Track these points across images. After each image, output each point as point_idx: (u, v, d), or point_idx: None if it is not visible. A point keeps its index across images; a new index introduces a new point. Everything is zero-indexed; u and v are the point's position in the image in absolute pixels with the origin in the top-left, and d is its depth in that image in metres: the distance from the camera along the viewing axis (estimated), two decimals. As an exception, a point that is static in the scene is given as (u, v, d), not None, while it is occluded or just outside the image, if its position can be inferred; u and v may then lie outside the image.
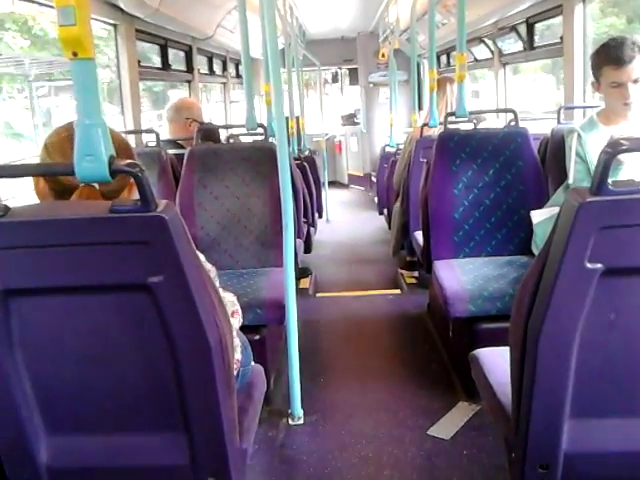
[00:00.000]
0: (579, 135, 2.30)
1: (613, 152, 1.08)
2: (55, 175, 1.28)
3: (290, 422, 2.34)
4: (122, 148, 1.19)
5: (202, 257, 1.38)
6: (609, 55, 2.18)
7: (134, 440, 1.29)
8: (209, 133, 3.60)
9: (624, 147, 1.09)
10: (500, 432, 1.49)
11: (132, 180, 1.30)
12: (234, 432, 1.32)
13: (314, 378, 2.68)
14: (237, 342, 1.59)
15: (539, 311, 1.21)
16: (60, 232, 1.10)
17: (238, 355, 1.58)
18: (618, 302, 1.20)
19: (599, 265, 1.13)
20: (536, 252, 2.57)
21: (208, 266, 1.42)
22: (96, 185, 1.23)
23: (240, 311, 1.66)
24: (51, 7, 2.80)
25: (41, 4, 2.87)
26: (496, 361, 1.63)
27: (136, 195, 1.09)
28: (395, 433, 2.25)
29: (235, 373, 1.53)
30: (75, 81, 1.10)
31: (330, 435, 2.27)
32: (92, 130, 1.10)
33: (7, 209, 1.09)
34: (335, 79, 10.25)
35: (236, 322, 1.63)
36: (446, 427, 2.27)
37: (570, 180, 2.32)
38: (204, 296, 1.17)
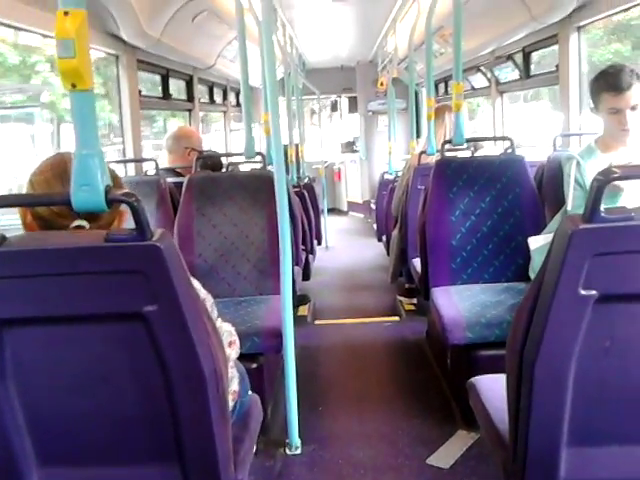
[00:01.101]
0: (578, 162, 2.32)
1: (605, 179, 1.09)
2: (51, 205, 1.29)
3: (287, 452, 2.31)
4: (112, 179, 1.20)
5: (197, 285, 1.39)
6: (608, 82, 2.20)
7: (127, 472, 1.27)
8: (212, 161, 3.63)
9: (616, 175, 1.10)
10: (498, 460, 1.48)
11: (122, 209, 1.32)
12: (229, 463, 1.30)
13: (312, 407, 2.65)
14: (234, 373, 1.58)
15: (534, 338, 1.21)
16: (55, 261, 1.10)
17: (235, 386, 1.57)
18: (613, 328, 1.19)
19: (593, 292, 1.14)
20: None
21: (203, 294, 1.43)
22: (86, 225, 1.25)
23: (238, 342, 1.65)
24: (51, 37, 2.85)
25: (44, 35, 2.92)
26: (494, 388, 1.62)
27: (125, 225, 1.10)
28: (394, 463, 2.23)
29: (232, 404, 1.52)
30: (73, 112, 1.11)
31: (328, 465, 2.24)
32: (89, 160, 1.11)
33: (3, 238, 1.10)
34: (334, 107, 10.33)
35: (233, 353, 1.61)
36: (445, 456, 2.24)
37: (569, 207, 2.33)
38: (199, 326, 1.17)
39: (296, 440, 2.33)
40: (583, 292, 1.13)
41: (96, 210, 1.13)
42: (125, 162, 3.72)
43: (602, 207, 1.10)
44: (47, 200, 1.27)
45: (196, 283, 1.40)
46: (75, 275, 1.11)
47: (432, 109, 3.79)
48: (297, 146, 6.11)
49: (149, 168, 3.60)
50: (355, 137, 9.85)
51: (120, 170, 3.70)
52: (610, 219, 1.10)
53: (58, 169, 1.28)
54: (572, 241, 1.10)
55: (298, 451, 2.32)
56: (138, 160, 3.76)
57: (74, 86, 1.10)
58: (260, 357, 2.36)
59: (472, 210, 2.80)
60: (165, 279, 1.09)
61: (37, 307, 1.13)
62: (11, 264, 1.11)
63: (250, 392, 1.75)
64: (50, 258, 1.10)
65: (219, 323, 1.52)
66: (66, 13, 1.08)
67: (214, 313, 1.53)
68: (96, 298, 1.13)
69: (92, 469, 1.27)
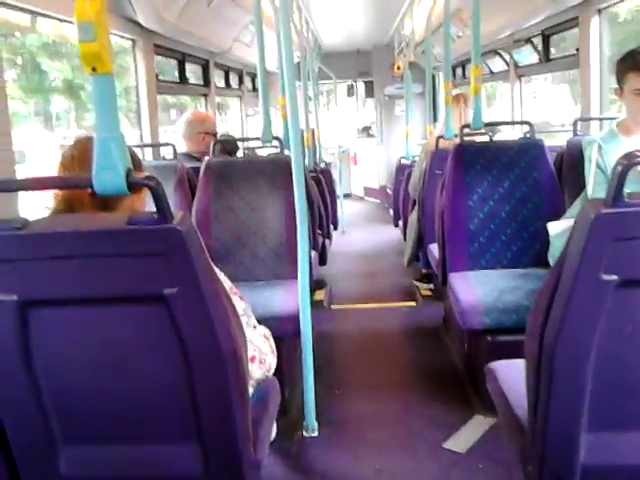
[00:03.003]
0: (600, 146, 2.28)
1: (628, 163, 1.08)
2: (74, 188, 1.30)
3: (305, 434, 2.34)
4: (134, 162, 1.22)
5: (228, 283, 1.41)
6: (635, 61, 2.15)
7: (149, 451, 1.30)
8: (229, 145, 3.62)
9: (639, 159, 1.09)
10: (516, 445, 1.48)
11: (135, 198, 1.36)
12: (248, 443, 1.32)
13: (329, 390, 2.67)
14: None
15: (555, 323, 1.21)
16: (77, 244, 1.12)
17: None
18: (635, 313, 1.19)
19: (614, 277, 1.13)
20: (552, 264, 2.54)
21: (237, 302, 1.43)
22: None
23: (269, 359, 1.59)
24: (71, 22, 2.86)
25: (61, 20, 2.92)
26: (512, 373, 1.62)
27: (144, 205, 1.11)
28: (410, 446, 2.24)
29: (252, 390, 1.53)
30: (94, 95, 1.12)
31: (345, 447, 2.26)
32: (110, 143, 1.11)
33: (26, 222, 1.11)
34: (351, 92, 10.28)
35: (257, 371, 1.54)
36: (462, 440, 2.25)
37: (589, 191, 2.30)
38: (219, 308, 1.18)
39: (313, 422, 2.35)
40: (604, 277, 1.13)
41: (117, 193, 1.14)
42: (142, 147, 3.73)
43: (625, 191, 1.09)
44: (69, 183, 1.28)
45: (228, 282, 1.41)
46: (97, 257, 1.12)
47: (450, 93, 3.76)
48: (313, 131, 6.09)
49: (167, 153, 3.61)
50: (371, 122, 9.80)
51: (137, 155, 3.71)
52: (633, 204, 1.09)
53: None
54: (594, 226, 1.09)
55: (315, 433, 2.34)
56: (155, 145, 3.77)
57: (94, 69, 1.11)
58: (278, 341, 2.37)
59: (490, 195, 2.78)
60: (186, 262, 1.10)
61: (60, 289, 1.15)
62: (34, 247, 1.12)
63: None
64: (72, 241, 1.12)
65: (249, 333, 1.47)
66: None
67: (251, 319, 1.53)
68: (118, 280, 1.14)
69: (115, 448, 1.30)
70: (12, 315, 1.15)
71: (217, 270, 1.32)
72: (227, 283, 1.44)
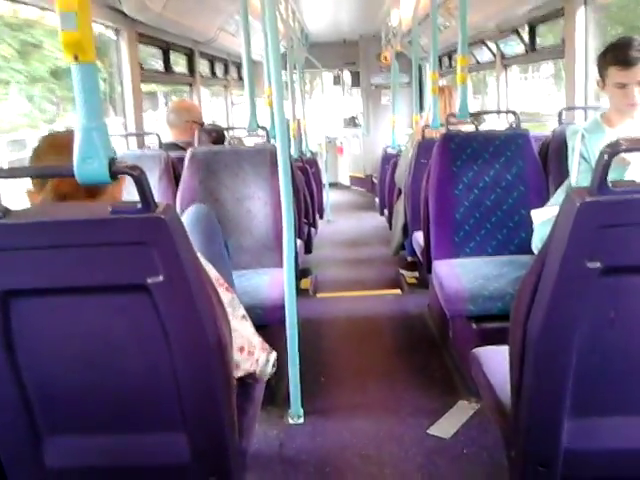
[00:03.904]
0: (583, 135, 2.29)
1: (612, 152, 1.09)
2: (55, 177, 1.29)
3: (290, 422, 2.35)
4: None
5: (224, 292, 1.40)
6: (615, 56, 2.16)
7: (135, 440, 1.29)
8: (216, 135, 3.61)
9: (623, 147, 1.10)
10: (500, 430, 1.50)
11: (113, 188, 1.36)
12: (234, 432, 1.32)
13: (314, 378, 2.68)
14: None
15: (539, 310, 1.22)
16: (60, 233, 1.11)
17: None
18: (618, 301, 1.20)
19: (598, 264, 1.14)
20: (536, 252, 2.56)
21: (228, 296, 1.42)
22: None
23: (258, 355, 1.50)
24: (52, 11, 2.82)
25: (44, 8, 2.89)
26: (496, 360, 1.64)
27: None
28: (395, 432, 2.26)
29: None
30: (76, 84, 1.11)
31: (330, 434, 2.27)
32: (93, 132, 1.10)
33: (7, 211, 1.10)
34: (337, 81, 10.23)
35: (244, 362, 1.46)
36: (446, 426, 2.27)
37: (572, 180, 2.32)
38: (203, 297, 1.17)
39: (299, 410, 2.36)
40: (588, 264, 1.14)
41: (100, 182, 1.13)
42: (127, 136, 3.71)
43: (609, 179, 1.10)
44: (52, 172, 1.27)
45: (226, 295, 1.40)
46: (80, 247, 1.12)
47: (436, 83, 3.76)
48: (299, 120, 6.07)
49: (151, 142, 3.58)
50: (358, 112, 9.78)
51: (122, 144, 3.69)
52: (617, 192, 1.10)
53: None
54: (579, 213, 1.10)
55: (301, 420, 2.35)
56: (140, 134, 3.75)
57: (76, 58, 1.09)
58: (263, 329, 2.37)
59: (476, 184, 2.80)
60: (169, 251, 1.10)
61: (42, 278, 1.14)
62: (15, 236, 1.11)
63: None
64: (54, 230, 1.11)
65: (236, 324, 1.43)
66: None
67: (238, 311, 1.49)
68: (101, 270, 1.13)
69: (99, 437, 1.30)
70: None
71: (203, 260, 1.32)
72: (212, 272, 1.43)
